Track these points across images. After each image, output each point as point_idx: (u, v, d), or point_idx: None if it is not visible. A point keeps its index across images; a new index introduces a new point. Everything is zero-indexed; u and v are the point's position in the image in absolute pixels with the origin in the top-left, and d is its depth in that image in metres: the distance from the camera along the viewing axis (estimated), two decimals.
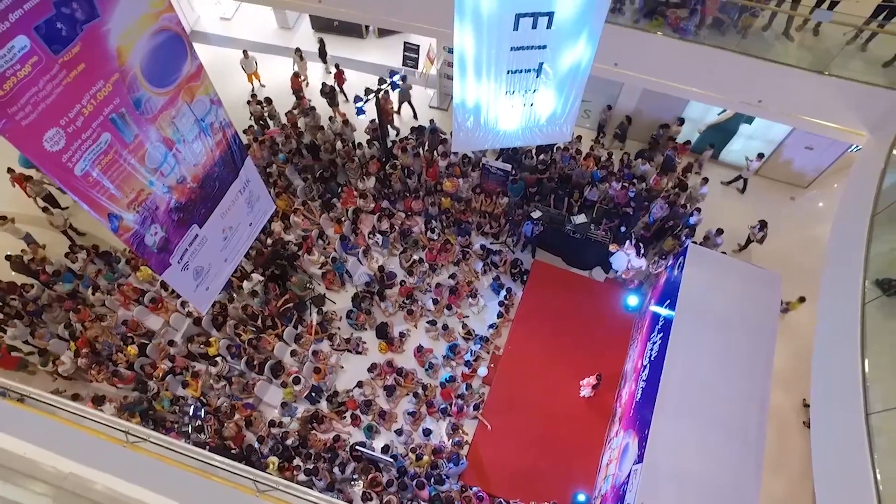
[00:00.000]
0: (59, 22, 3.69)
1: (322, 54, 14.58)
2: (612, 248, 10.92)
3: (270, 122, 13.41)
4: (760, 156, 11.87)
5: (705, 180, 11.57)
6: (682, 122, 12.26)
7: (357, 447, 9.66)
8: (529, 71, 6.39)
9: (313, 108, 13.18)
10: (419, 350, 10.75)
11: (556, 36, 5.93)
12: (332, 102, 13.67)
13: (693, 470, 7.80)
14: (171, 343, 10.87)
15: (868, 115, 8.48)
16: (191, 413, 9.82)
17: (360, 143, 12.87)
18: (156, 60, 4.52)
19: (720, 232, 10.75)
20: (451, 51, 12.91)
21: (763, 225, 10.96)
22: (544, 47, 6.07)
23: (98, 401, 9.95)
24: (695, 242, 10.56)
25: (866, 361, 6.08)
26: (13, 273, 11.17)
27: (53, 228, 11.90)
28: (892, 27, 8.37)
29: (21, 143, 3.80)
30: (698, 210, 11.09)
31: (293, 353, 10.84)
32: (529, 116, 7.19)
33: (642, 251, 10.74)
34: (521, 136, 7.53)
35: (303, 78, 14.02)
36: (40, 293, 11.05)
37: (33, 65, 3.64)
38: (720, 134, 12.52)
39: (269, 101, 13.24)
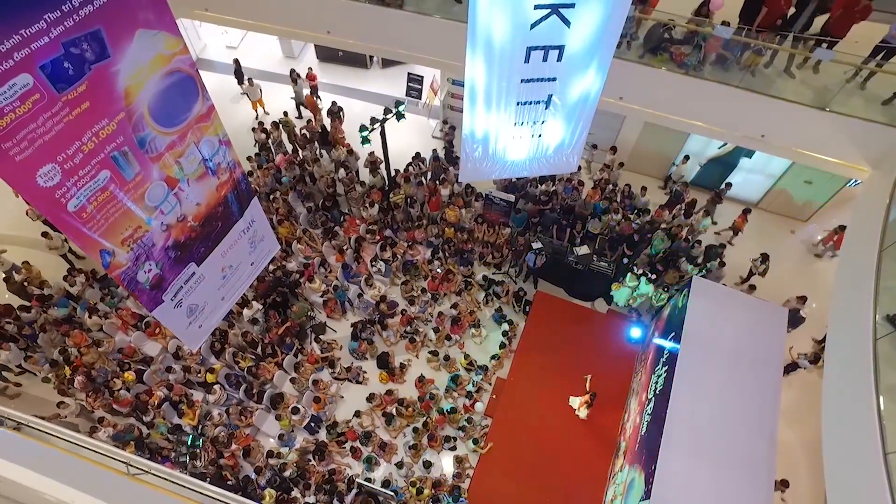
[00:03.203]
0: (67, 61, 3.56)
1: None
2: (615, 288, 10.88)
3: (273, 149, 13.43)
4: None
5: (706, 213, 11.59)
6: None
7: (358, 482, 9.41)
8: (539, 102, 6.41)
9: (311, 142, 13.22)
10: (420, 380, 10.58)
11: (565, 69, 5.97)
12: (324, 143, 13.53)
13: None
14: (169, 370, 10.68)
15: (870, 150, 8.52)
16: (189, 443, 9.61)
17: (362, 182, 12.84)
18: (165, 101, 4.37)
19: (722, 265, 10.70)
20: (454, 82, 13.07)
21: (765, 258, 10.94)
22: (554, 79, 6.10)
23: (91, 429, 9.69)
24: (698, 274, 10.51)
25: (881, 399, 5.96)
26: (7, 295, 11.02)
27: (53, 251, 11.77)
28: (890, 67, 8.47)
29: (12, 178, 3.62)
30: (699, 242, 11.08)
31: (293, 381, 10.65)
32: (537, 147, 7.19)
33: (651, 276, 10.68)
34: (528, 166, 7.52)
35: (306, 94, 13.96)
36: (38, 316, 10.88)
37: (34, 102, 3.48)
38: (721, 167, 12.57)
39: (276, 125, 13.29)
